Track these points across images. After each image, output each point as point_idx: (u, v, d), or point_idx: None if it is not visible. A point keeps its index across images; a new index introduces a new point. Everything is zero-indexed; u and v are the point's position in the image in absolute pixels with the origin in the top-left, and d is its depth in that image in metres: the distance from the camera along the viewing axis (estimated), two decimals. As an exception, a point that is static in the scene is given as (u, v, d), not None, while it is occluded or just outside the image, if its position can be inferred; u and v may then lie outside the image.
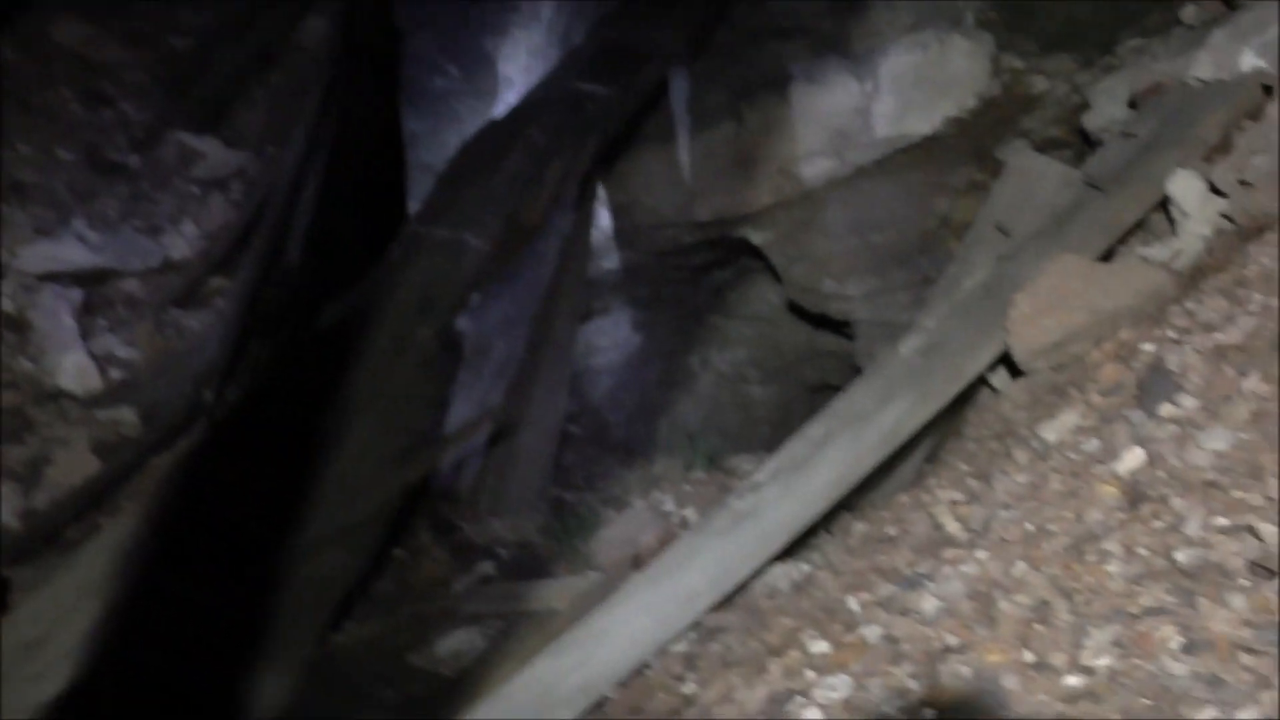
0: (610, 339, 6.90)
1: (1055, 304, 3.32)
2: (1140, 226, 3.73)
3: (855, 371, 7.05)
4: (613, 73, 5.33)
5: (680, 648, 3.16)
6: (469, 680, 3.61)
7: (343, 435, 4.20)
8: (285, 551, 3.83)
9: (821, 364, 7.52)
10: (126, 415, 5.05)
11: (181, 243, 6.26)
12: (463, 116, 6.62)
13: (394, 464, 4.26)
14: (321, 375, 4.46)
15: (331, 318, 4.71)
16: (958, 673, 1.98)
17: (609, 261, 6.38)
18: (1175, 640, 1.78)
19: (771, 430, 7.70)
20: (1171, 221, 3.60)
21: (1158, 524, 2.07)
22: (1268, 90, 3.43)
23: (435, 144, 6.55)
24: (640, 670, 3.13)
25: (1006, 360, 3.50)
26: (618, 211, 6.02)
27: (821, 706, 2.17)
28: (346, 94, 6.51)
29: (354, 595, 4.09)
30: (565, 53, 5.88)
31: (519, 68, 6.67)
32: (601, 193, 5.89)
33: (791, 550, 3.40)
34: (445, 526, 4.76)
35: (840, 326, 6.44)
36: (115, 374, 5.26)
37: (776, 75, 5.46)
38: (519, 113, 5.40)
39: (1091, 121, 4.76)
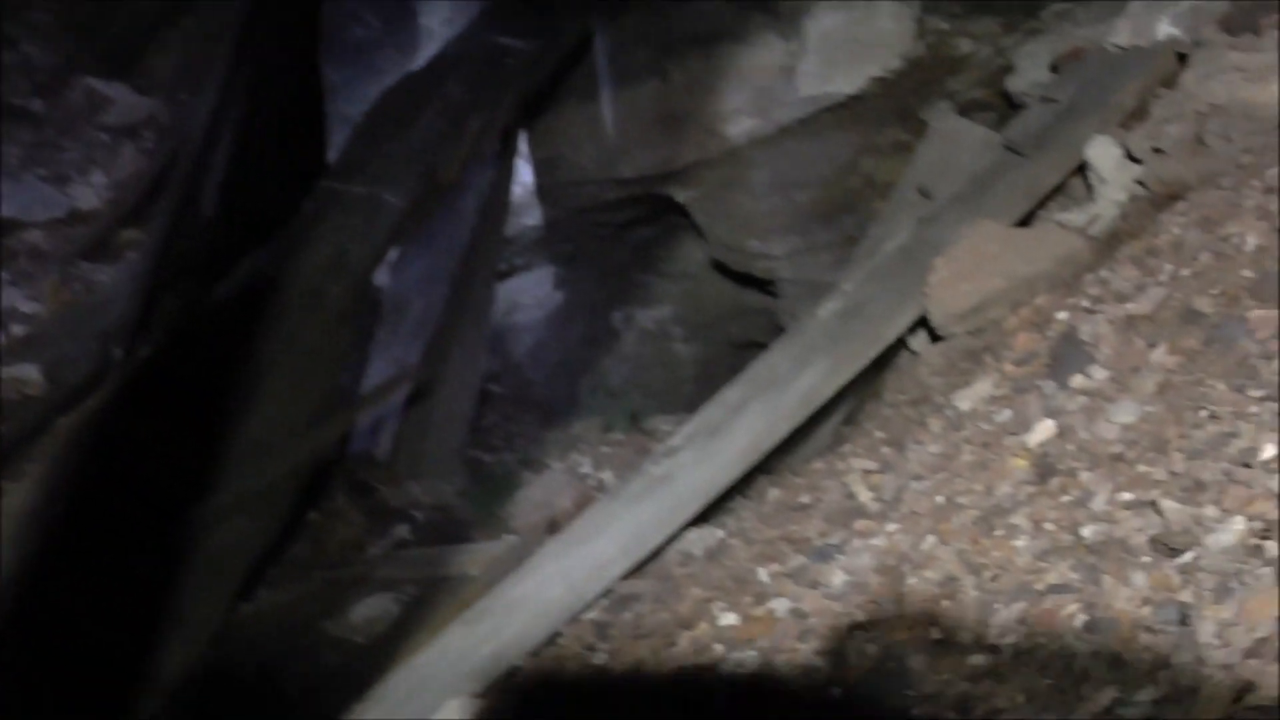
0: (532, 296, 6.81)
1: (973, 269, 3.31)
2: (1059, 191, 3.73)
3: (780, 330, 7.08)
4: (534, 26, 5.21)
5: (593, 615, 3.12)
6: (381, 649, 3.55)
7: (255, 396, 4.08)
8: (195, 517, 3.71)
9: (747, 321, 7.51)
10: (30, 373, 4.85)
11: (90, 193, 6.04)
12: (382, 68, 6.43)
13: (307, 426, 4.15)
14: (233, 333, 4.32)
15: (244, 274, 4.57)
16: (864, 650, 1.96)
17: (531, 218, 6.28)
18: (1079, 618, 1.77)
19: (696, 387, 7.69)
20: (1089, 187, 3.61)
21: (1065, 498, 2.07)
22: (1182, 59, 3.44)
23: (354, 95, 6.36)
24: (553, 639, 3.10)
25: (925, 323, 3.49)
26: (540, 167, 5.92)
27: (728, 684, 2.14)
28: (263, 40, 6.30)
29: (266, 561, 3.99)
30: (486, 5, 5.72)
31: (440, 19, 6.48)
32: (523, 148, 5.78)
33: (707, 515, 3.37)
34: (361, 489, 4.66)
35: (765, 284, 6.43)
36: (18, 329, 5.06)
37: (701, 32, 5.38)
38: (437, 66, 5.26)
39: (1014, 84, 4.76)
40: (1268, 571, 1.65)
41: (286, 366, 4.13)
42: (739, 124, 5.56)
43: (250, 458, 3.90)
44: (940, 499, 2.33)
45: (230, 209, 5.74)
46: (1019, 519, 2.09)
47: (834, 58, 5.29)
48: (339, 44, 6.61)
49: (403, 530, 4.37)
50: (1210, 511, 1.81)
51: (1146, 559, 1.81)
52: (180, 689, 3.39)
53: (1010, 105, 4.99)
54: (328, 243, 4.48)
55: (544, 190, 6.10)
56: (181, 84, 6.58)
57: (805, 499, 2.91)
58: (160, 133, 6.41)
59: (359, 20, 6.71)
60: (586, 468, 4.45)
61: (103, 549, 3.56)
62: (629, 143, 5.74)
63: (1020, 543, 2.03)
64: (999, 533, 2.09)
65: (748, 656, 2.21)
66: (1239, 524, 1.75)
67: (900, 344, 3.68)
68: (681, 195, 5.98)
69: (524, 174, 6.00)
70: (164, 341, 4.65)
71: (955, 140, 4.10)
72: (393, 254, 5.05)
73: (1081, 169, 3.61)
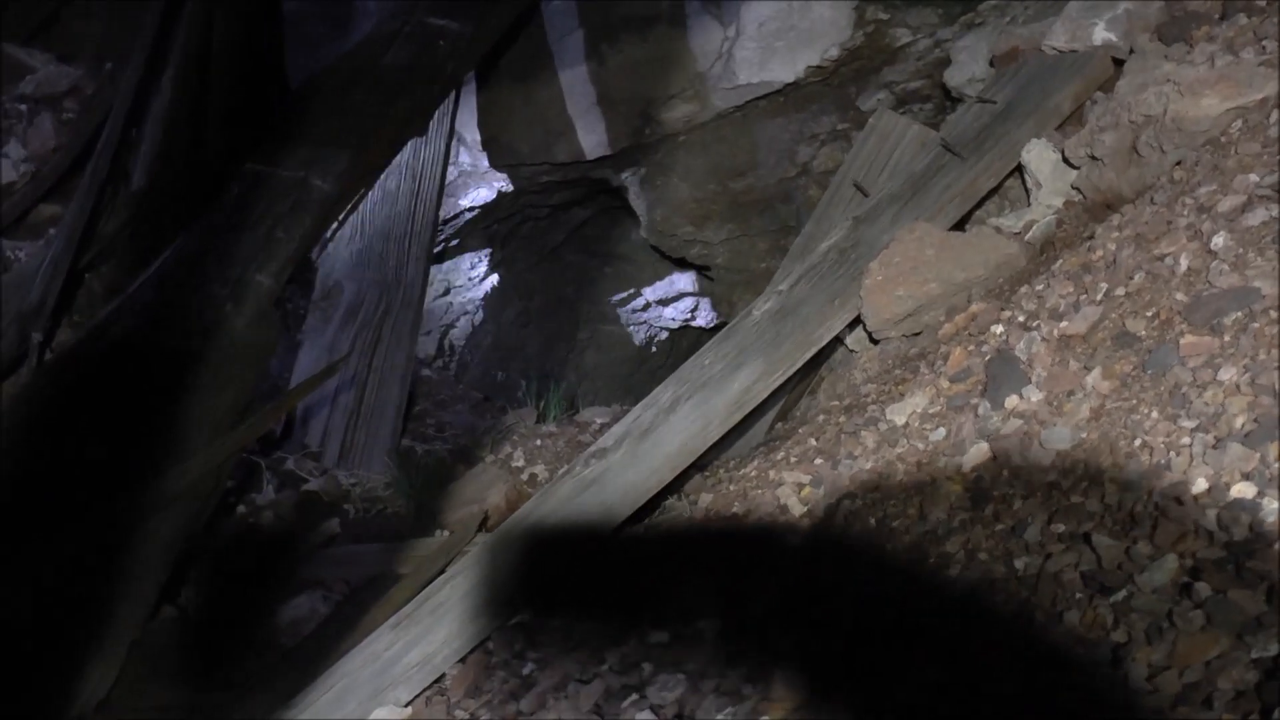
0: (467, 278, 6.73)
1: (908, 273, 3.30)
2: (996, 192, 3.73)
3: (715, 313, 7.06)
4: (468, 7, 5.09)
5: (524, 618, 3.09)
6: (308, 651, 3.48)
7: (177, 390, 3.97)
8: (115, 516, 3.60)
9: (682, 304, 7.51)
10: (-60, 358, 4.69)
11: (6, 165, 5.84)
12: (317, 42, 6.26)
13: (233, 420, 4.04)
14: (156, 324, 4.19)
15: (168, 260, 4.43)
16: (793, 682, 1.94)
17: (466, 200, 6.19)
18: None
19: (631, 368, 7.67)
20: (1026, 190, 3.61)
21: (999, 526, 2.05)
22: (1119, 64, 3.44)
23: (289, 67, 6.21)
24: (483, 643, 3.06)
25: (861, 322, 3.48)
26: (474, 149, 5.82)
27: (655, 708, 2.11)
28: (197, 5, 6.09)
29: (190, 560, 3.88)
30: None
31: (376, -6, 6.34)
32: (459, 130, 5.67)
33: (639, 516, 3.34)
34: (291, 481, 4.56)
35: (702, 269, 6.41)
36: (-73, 312, 4.88)
37: (639, 16, 5.30)
38: (369, 47, 5.13)
39: (952, 78, 4.75)
40: (1198, 614, 1.64)
41: (211, 359, 4.02)
42: (675, 109, 5.51)
43: (173, 454, 3.79)
44: (873, 520, 2.31)
45: (162, 183, 5.56)
46: (952, 546, 2.07)
47: (772, 45, 5.24)
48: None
49: (333, 525, 4.27)
50: (1143, 548, 1.80)
51: (1079, 595, 1.80)
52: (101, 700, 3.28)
53: (948, 98, 4.99)
54: (255, 229, 4.36)
55: (478, 172, 6.00)
56: (107, 52, 6.35)
57: (737, 508, 2.88)
58: (84, 103, 6.20)
59: (295, -9, 6.53)
60: (519, 460, 4.38)
61: (14, 551, 3.44)
62: (565, 126, 5.66)
63: (953, 572, 2.01)
64: (932, 561, 2.07)
65: (675, 679, 2.17)
66: (1171, 562, 1.74)
67: (837, 340, 3.68)
68: (617, 179, 5.93)
69: (460, 156, 5.89)
70: (89, 326, 4.51)
71: (892, 137, 4.08)
72: (322, 240, 4.93)
73: (1019, 170, 3.61)
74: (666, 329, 7.56)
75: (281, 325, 4.64)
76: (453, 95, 5.31)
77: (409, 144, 5.15)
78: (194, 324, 4.11)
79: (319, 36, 6.19)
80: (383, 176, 5.13)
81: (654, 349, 7.74)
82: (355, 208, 5.05)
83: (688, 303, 7.40)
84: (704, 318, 7.42)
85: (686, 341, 7.54)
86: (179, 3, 5.99)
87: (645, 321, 7.60)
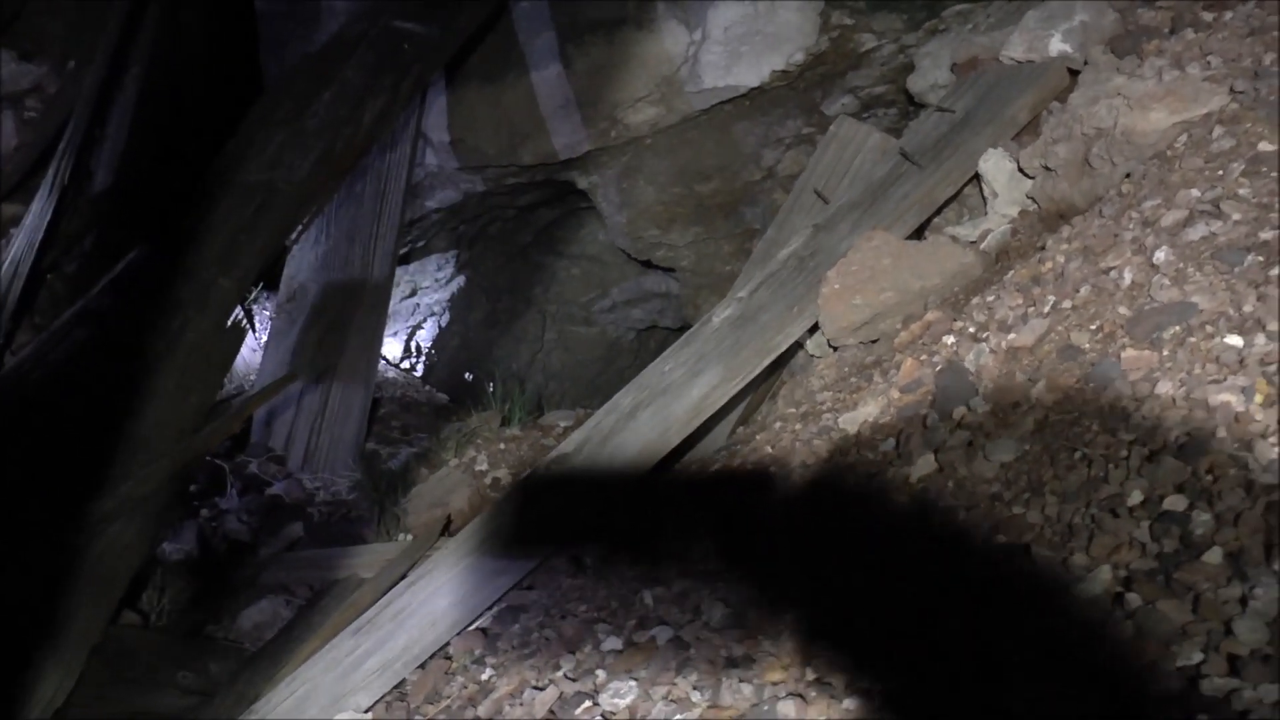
0: (434, 279, 6.73)
1: (865, 282, 3.34)
2: (955, 200, 3.77)
3: (682, 315, 7.08)
4: (434, 10, 5.09)
5: (484, 624, 3.11)
6: (269, 656, 3.49)
7: (140, 395, 3.96)
8: (77, 522, 3.59)
9: (649, 305, 7.53)
10: (-104, 361, 4.68)
11: (-35, 166, 5.81)
12: (285, 42, 6.26)
13: (195, 425, 4.03)
14: (119, 328, 4.18)
15: (132, 264, 4.41)
16: (739, 690, 1.97)
17: (433, 201, 6.20)
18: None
19: (599, 369, 7.69)
20: (984, 199, 3.65)
21: (944, 538, 2.09)
22: (1075, 75, 3.49)
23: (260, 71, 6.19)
24: (443, 648, 3.08)
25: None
26: (441, 151, 5.82)
27: (605, 715, 2.13)
28: (163, 3, 6.06)
29: (152, 564, 3.88)
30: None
31: (343, -5, 6.33)
32: (426, 132, 5.68)
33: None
34: (255, 484, 4.56)
35: (668, 270, 6.43)
36: (-116, 312, 4.85)
37: (606, 19, 5.33)
38: (334, 50, 5.13)
39: (915, 84, 4.80)
40: (1129, 624, 1.68)
41: (173, 363, 4.01)
42: (641, 112, 5.54)
43: (135, 459, 3.78)
44: (819, 529, 2.34)
45: (127, 184, 5.55)
46: (899, 558, 2.11)
47: (737, 50, 5.27)
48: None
49: (296, 529, 4.28)
50: (1079, 559, 1.84)
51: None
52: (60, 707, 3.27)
53: (912, 103, 5.03)
54: (219, 233, 4.35)
55: (445, 174, 6.01)
56: (72, 50, 6.31)
57: (694, 514, 2.91)
58: (47, 102, 6.16)
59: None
60: (483, 465, 4.40)
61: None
62: (532, 128, 5.68)
63: (900, 585, 2.04)
64: (878, 573, 2.10)
65: (627, 686, 2.20)
66: (1105, 573, 1.78)
67: (799, 345, 3.71)
68: (584, 181, 5.95)
69: (427, 157, 5.90)
70: (52, 332, 4.48)
71: (853, 145, 4.11)
72: (287, 243, 4.93)
73: (977, 180, 3.65)
74: (635, 330, 7.58)
75: (246, 328, 4.64)
76: (419, 97, 5.32)
77: (375, 146, 5.15)
78: (157, 328, 4.10)
79: (288, 36, 6.18)
80: (349, 179, 5.13)
81: (622, 350, 7.77)
82: (322, 211, 5.05)
83: (655, 304, 7.42)
84: (672, 319, 7.45)
85: (655, 342, 7.57)
86: (144, 1, 5.98)
87: (613, 322, 7.62)
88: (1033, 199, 3.39)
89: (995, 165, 3.51)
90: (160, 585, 3.81)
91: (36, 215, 5.47)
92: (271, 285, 5.40)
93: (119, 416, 3.86)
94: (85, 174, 5.74)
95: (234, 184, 4.58)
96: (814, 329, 3.56)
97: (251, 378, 5.04)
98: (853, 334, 3.38)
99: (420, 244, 6.42)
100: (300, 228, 4.98)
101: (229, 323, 4.23)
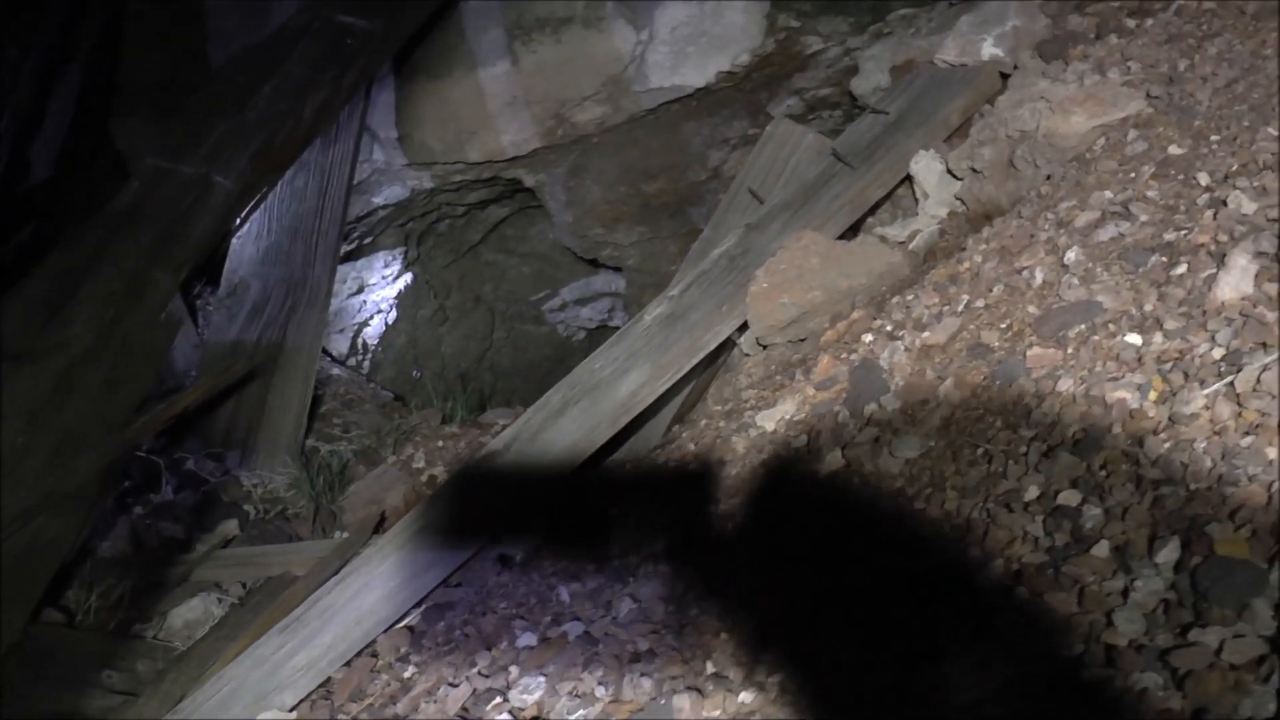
0: (381, 276, 6.69)
1: (794, 281, 3.35)
2: (888, 200, 3.80)
3: (629, 314, 7.08)
4: (378, 5, 5.06)
5: (411, 620, 3.11)
6: (197, 655, 3.45)
7: (70, 386, 3.90)
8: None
9: (599, 304, 7.53)
10: None
11: (-99, 156, 5.70)
12: (232, 35, 6.19)
13: (126, 419, 3.98)
14: (49, 321, 4.12)
15: (64, 257, 4.35)
16: (639, 684, 1.97)
17: (380, 197, 6.15)
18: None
19: (548, 368, 7.68)
20: (916, 200, 3.68)
21: (846, 534, 2.10)
22: (1007, 79, 3.52)
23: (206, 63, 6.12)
24: (370, 645, 3.06)
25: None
26: (388, 147, 5.79)
27: (514, 711, 2.13)
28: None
29: (77, 561, 3.82)
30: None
31: (288, -13, 6.28)
32: (371, 127, 5.65)
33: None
34: (191, 481, 4.51)
35: (616, 269, 6.44)
36: None
37: (553, 17, 5.31)
38: (277, 42, 5.08)
39: (858, 86, 4.83)
40: (1019, 618, 1.70)
41: (105, 357, 3.96)
42: (589, 111, 5.53)
43: (61, 454, 3.73)
44: (730, 527, 2.35)
45: (67, 177, 5.48)
46: (801, 554, 2.12)
47: (684, 50, 5.28)
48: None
49: (231, 525, 4.23)
50: (974, 553, 1.85)
51: (910, 599, 1.85)
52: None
53: (856, 105, 5.06)
54: (154, 226, 4.30)
55: (392, 170, 5.98)
56: (8, 37, 6.22)
57: (615, 511, 2.91)
58: (-17, 92, 6.07)
59: (205, -19, 6.45)
60: (420, 462, 4.38)
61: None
62: (479, 125, 5.66)
63: (801, 579, 2.05)
64: (781, 569, 2.11)
65: (536, 682, 2.20)
66: (998, 566, 1.80)
67: (733, 344, 3.73)
68: (531, 179, 5.93)
69: (374, 153, 5.86)
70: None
71: (789, 145, 4.14)
72: (227, 238, 4.89)
73: (909, 181, 3.68)
74: (584, 329, 7.58)
75: (180, 321, 4.59)
76: (363, 92, 5.28)
77: (317, 141, 5.11)
78: (89, 321, 4.05)
79: (236, 28, 6.13)
80: (290, 173, 5.09)
81: (572, 349, 7.76)
82: (260, 205, 5.00)
83: (605, 303, 7.42)
84: (621, 319, 7.45)
85: (602, 339, 7.56)
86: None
87: (563, 321, 7.61)
88: (961, 200, 3.42)
89: (926, 167, 3.54)
90: (89, 582, 3.76)
91: (-28, 207, 5.38)
92: (213, 280, 5.34)
93: (46, 409, 3.81)
94: (23, 165, 5.65)
95: (170, 177, 4.52)
96: (745, 327, 3.58)
97: (192, 373, 4.98)
98: (780, 332, 3.39)
99: (368, 240, 6.38)
100: (238, 221, 4.93)
101: (162, 317, 4.18)
